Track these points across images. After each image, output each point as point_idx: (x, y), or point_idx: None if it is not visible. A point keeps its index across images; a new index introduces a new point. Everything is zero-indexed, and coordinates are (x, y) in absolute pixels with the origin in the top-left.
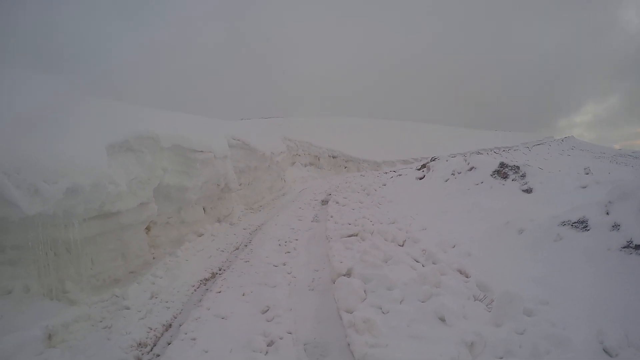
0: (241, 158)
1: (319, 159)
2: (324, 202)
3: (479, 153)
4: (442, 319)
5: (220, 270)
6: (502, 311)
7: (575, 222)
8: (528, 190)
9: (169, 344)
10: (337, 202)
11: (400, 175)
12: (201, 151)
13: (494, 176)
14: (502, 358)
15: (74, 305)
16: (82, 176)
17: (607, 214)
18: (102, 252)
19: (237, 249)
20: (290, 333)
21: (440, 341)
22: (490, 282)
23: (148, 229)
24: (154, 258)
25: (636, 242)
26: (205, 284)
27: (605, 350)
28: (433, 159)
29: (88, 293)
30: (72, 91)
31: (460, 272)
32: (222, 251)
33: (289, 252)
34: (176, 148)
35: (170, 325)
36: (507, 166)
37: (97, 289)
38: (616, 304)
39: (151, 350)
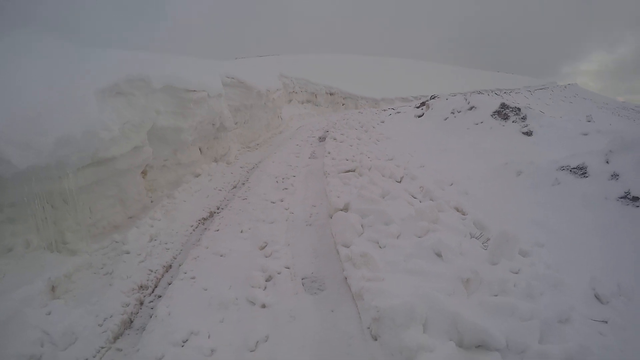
0: (236, 96)
1: (316, 96)
2: (322, 139)
3: (479, 93)
4: (439, 255)
5: (218, 209)
6: (498, 250)
7: (574, 168)
8: (528, 133)
9: (170, 284)
10: (335, 139)
11: (399, 112)
12: (194, 90)
13: (494, 117)
14: (496, 295)
15: (74, 255)
16: (73, 124)
17: (607, 162)
18: (100, 200)
19: (235, 187)
20: (288, 268)
21: (436, 276)
22: (487, 221)
23: (144, 172)
24: (152, 201)
25: (634, 193)
26: (203, 224)
27: (597, 297)
28: (433, 97)
29: (88, 241)
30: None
31: (458, 210)
32: (220, 190)
33: (286, 189)
34: (169, 89)
35: (170, 266)
36: (508, 107)
37: (97, 237)
38: (611, 252)
39: (152, 291)
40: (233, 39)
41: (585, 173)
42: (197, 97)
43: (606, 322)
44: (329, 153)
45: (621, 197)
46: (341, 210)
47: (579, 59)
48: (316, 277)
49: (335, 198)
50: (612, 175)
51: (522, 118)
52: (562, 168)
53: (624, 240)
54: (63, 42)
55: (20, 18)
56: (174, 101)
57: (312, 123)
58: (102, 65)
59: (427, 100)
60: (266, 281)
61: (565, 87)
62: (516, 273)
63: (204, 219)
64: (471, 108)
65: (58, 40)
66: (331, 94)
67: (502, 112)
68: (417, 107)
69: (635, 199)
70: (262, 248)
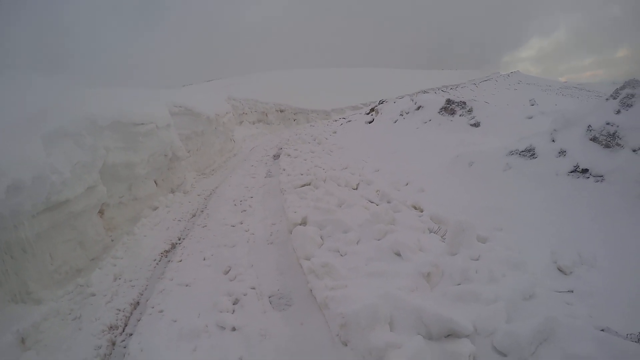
0: (186, 124)
1: (266, 115)
2: (276, 157)
3: (425, 92)
4: (398, 254)
5: (179, 239)
6: (456, 240)
7: (522, 151)
8: (476, 124)
9: (139, 321)
10: (289, 155)
11: (349, 121)
12: (142, 123)
13: (441, 113)
14: (459, 284)
15: (40, 304)
16: (22, 171)
17: (553, 141)
18: (59, 245)
19: (194, 215)
20: (253, 288)
21: (397, 275)
22: (444, 214)
23: (101, 212)
24: (112, 240)
25: (582, 166)
26: (166, 256)
27: (560, 269)
28: (381, 102)
29: (52, 289)
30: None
31: (415, 208)
32: (179, 221)
33: (244, 211)
34: (116, 125)
35: (137, 303)
36: (453, 102)
37: (61, 283)
38: (567, 225)
39: (123, 330)
40: (180, 66)
41: (534, 154)
42: (146, 130)
43: (572, 291)
44: (284, 170)
45: (571, 172)
46: (299, 224)
47: (517, 46)
48: (282, 293)
49: (293, 213)
50: (559, 153)
51: (468, 111)
52: (512, 153)
53: (579, 211)
54: (15, 82)
55: None
56: (123, 136)
57: (265, 142)
58: (45, 105)
59: (376, 106)
60: (234, 304)
61: (508, 75)
62: (476, 260)
63: (166, 251)
64: (419, 108)
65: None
66: (281, 111)
67: (449, 108)
68: (367, 114)
69: (584, 171)
70: (227, 272)
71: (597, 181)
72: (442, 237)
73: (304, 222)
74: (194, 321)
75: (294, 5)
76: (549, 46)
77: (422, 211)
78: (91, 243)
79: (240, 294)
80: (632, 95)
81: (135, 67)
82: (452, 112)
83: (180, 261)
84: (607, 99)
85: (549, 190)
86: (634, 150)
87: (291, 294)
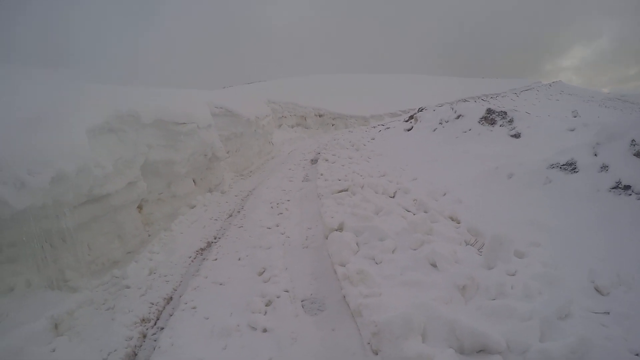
0: (226, 125)
1: (305, 119)
2: (314, 161)
3: (465, 101)
4: (434, 265)
5: (215, 238)
6: (493, 254)
7: (564, 165)
8: (516, 135)
9: (171, 316)
10: (327, 160)
11: (388, 128)
12: (184, 123)
13: (481, 123)
14: (494, 299)
15: (76, 292)
16: (66, 163)
17: (595, 155)
18: (98, 237)
19: (231, 215)
20: (287, 291)
21: (433, 286)
22: (481, 227)
23: (140, 207)
24: (149, 235)
25: (625, 182)
26: (201, 254)
27: (597, 289)
28: (420, 110)
29: (88, 278)
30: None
31: (452, 219)
32: (216, 220)
33: (281, 214)
34: (158, 123)
35: (171, 298)
36: (494, 112)
37: (97, 273)
38: (607, 243)
39: (155, 324)
40: (220, 67)
41: (575, 168)
42: (187, 129)
43: (608, 313)
44: (322, 174)
45: (613, 188)
46: (336, 230)
47: (560, 55)
48: (315, 298)
49: (329, 219)
50: (601, 167)
51: (509, 121)
52: (552, 166)
53: (620, 230)
54: (50, 76)
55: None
56: (165, 134)
57: (303, 146)
58: (93, 102)
59: (415, 113)
60: (266, 306)
61: (550, 85)
62: (513, 275)
63: (202, 249)
64: (458, 117)
65: (45, 74)
66: (320, 116)
67: (489, 118)
68: (406, 121)
69: (627, 187)
70: (261, 274)
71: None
72: (479, 250)
73: (340, 228)
74: (226, 320)
75: (323, 8)
76: (592, 55)
77: (459, 222)
78: (129, 237)
79: (274, 295)
80: None
81: (150, 64)
82: (493, 122)
83: (216, 260)
84: None
85: (590, 206)
86: None
87: (324, 299)
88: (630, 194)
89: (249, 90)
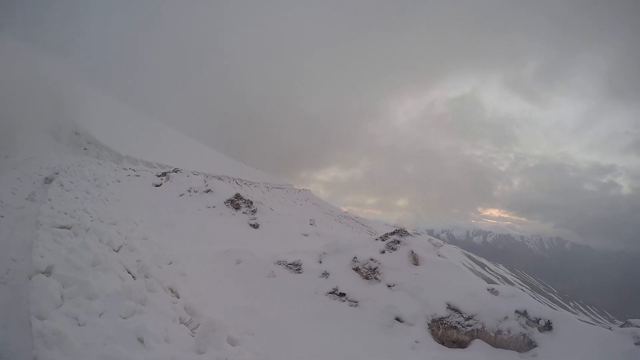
0: None
1: (60, 129)
2: (48, 180)
3: (220, 179)
4: (142, 341)
5: None
6: (205, 339)
7: (290, 264)
8: (255, 226)
9: None
10: (62, 185)
11: (138, 176)
12: None
13: (227, 204)
14: None
15: None
16: None
17: (320, 262)
18: None
19: None
20: None
21: None
22: (199, 306)
23: None
24: None
25: (341, 290)
26: None
27: None
28: (175, 170)
29: None
30: None
31: (172, 291)
32: None
33: None
34: None
35: None
36: (241, 198)
37: None
38: (319, 339)
39: None
40: None
41: (300, 269)
42: None
43: None
44: (50, 200)
45: (330, 292)
46: (43, 272)
47: (317, 170)
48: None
49: (39, 257)
50: (323, 274)
51: (252, 211)
52: (280, 262)
53: (332, 329)
54: None
55: None
56: None
57: (44, 158)
58: None
59: (169, 172)
60: None
61: (299, 190)
62: None
63: None
64: (208, 191)
65: None
66: (77, 134)
67: (235, 202)
68: (158, 176)
69: (342, 294)
70: None
71: (352, 305)
72: (192, 330)
73: (48, 272)
74: None
75: None
76: (345, 178)
77: (178, 297)
78: None
79: None
80: (398, 242)
81: None
82: (237, 207)
83: None
84: (376, 239)
85: (307, 305)
86: (389, 286)
87: (11, 357)
88: (344, 300)
89: None
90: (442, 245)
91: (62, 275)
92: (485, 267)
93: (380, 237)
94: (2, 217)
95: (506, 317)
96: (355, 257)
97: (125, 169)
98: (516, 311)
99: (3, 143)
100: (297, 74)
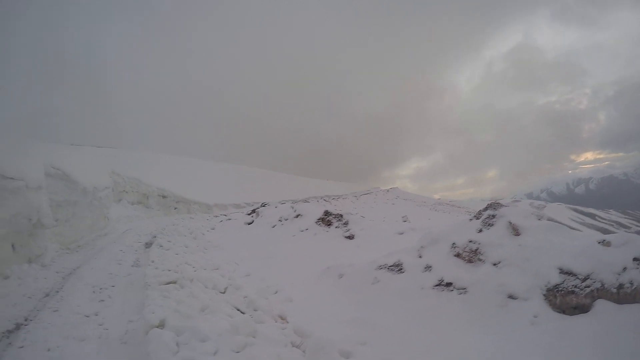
0: (60, 190)
1: (147, 198)
2: (148, 245)
3: (306, 201)
4: None
5: (26, 320)
6: (315, 357)
7: (391, 266)
8: (350, 237)
9: None
10: (161, 246)
11: (229, 219)
12: (12, 178)
13: (318, 223)
14: None
15: None
16: None
17: (420, 257)
18: None
19: (47, 295)
20: None
21: None
22: (308, 327)
23: None
24: None
25: (446, 280)
26: (8, 337)
27: None
28: (263, 205)
29: None
30: None
31: (281, 318)
32: (30, 298)
33: (103, 300)
34: None
35: None
36: (331, 214)
37: None
38: (431, 336)
39: None
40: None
41: (402, 269)
42: (14, 186)
43: None
44: (152, 262)
45: (436, 285)
46: (156, 327)
47: (398, 165)
48: None
49: (151, 314)
50: (425, 268)
51: (344, 223)
52: (380, 267)
53: (444, 322)
54: None
55: None
56: None
57: (140, 226)
58: None
59: (257, 208)
60: None
61: (387, 190)
62: None
63: (9, 332)
64: (297, 216)
65: None
66: (164, 197)
67: (326, 219)
68: (248, 214)
69: (448, 284)
70: None
71: (461, 293)
72: (304, 351)
73: (161, 325)
74: None
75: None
76: (427, 166)
77: (287, 322)
78: None
79: None
80: (493, 216)
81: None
82: (329, 224)
83: (22, 347)
84: (470, 219)
85: (415, 303)
86: (494, 264)
87: None
88: (452, 290)
89: (96, 154)
90: (545, 207)
91: (174, 326)
92: (596, 217)
93: (475, 216)
94: (113, 286)
95: (625, 268)
96: (453, 243)
97: (216, 215)
98: (634, 259)
99: (99, 224)
100: (351, 77)
